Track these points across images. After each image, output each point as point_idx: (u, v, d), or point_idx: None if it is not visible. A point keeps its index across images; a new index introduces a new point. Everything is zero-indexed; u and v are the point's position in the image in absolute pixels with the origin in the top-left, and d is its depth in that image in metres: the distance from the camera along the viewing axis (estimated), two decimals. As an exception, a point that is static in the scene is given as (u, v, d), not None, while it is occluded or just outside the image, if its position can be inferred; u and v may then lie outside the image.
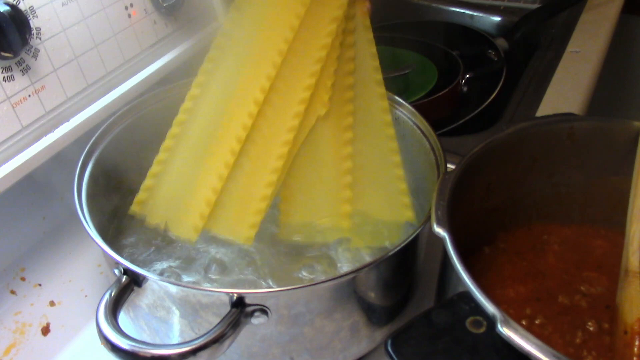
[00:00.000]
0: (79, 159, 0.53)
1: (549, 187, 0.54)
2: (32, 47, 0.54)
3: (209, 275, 0.53)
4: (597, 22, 0.96)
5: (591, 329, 0.46)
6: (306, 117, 0.51)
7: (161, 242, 0.55)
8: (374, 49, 0.55)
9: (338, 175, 0.54)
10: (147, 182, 0.54)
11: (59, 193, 0.65)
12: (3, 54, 0.51)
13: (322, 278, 0.51)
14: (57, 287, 0.60)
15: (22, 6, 0.53)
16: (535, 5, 1.02)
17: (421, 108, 0.58)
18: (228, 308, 0.42)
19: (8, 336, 0.56)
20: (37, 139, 0.55)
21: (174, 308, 0.45)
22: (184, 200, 0.51)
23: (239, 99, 0.51)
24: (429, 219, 0.44)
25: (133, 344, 0.39)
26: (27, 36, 0.53)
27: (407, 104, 0.58)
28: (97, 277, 0.61)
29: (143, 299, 0.46)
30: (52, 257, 0.63)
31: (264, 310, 0.43)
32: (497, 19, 1.05)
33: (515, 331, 0.34)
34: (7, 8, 0.51)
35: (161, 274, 0.53)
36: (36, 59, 0.54)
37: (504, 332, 0.35)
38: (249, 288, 0.51)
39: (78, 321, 0.57)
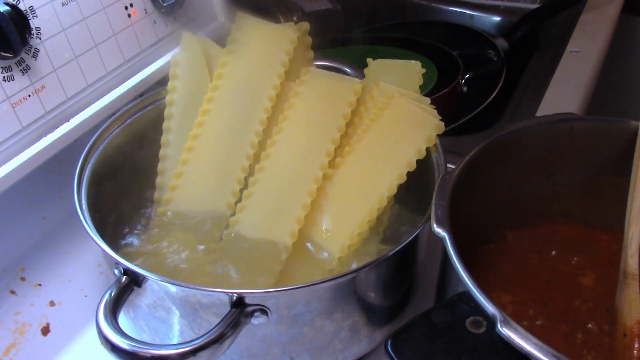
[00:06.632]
0: (79, 159, 0.53)
1: (549, 187, 0.54)
2: (31, 47, 0.54)
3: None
4: (597, 22, 0.96)
5: (591, 329, 0.46)
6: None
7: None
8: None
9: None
10: (178, 169, 0.56)
11: (59, 193, 0.65)
12: (3, 53, 0.51)
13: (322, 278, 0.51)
14: (57, 287, 0.60)
15: (22, 6, 0.53)
16: (535, 5, 1.02)
17: (421, 108, 0.58)
18: (228, 308, 0.42)
19: (8, 336, 0.56)
20: (37, 139, 0.55)
21: (174, 308, 0.45)
22: (215, 185, 0.56)
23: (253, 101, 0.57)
24: (429, 219, 0.44)
25: (133, 344, 0.39)
26: (27, 36, 0.53)
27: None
28: (97, 277, 0.61)
29: (143, 299, 0.46)
30: (52, 257, 0.63)
31: (264, 310, 0.43)
32: (497, 19, 1.05)
33: (515, 331, 0.34)
34: (7, 8, 0.51)
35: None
36: (36, 59, 0.54)
37: (504, 332, 0.35)
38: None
39: (78, 321, 0.57)
